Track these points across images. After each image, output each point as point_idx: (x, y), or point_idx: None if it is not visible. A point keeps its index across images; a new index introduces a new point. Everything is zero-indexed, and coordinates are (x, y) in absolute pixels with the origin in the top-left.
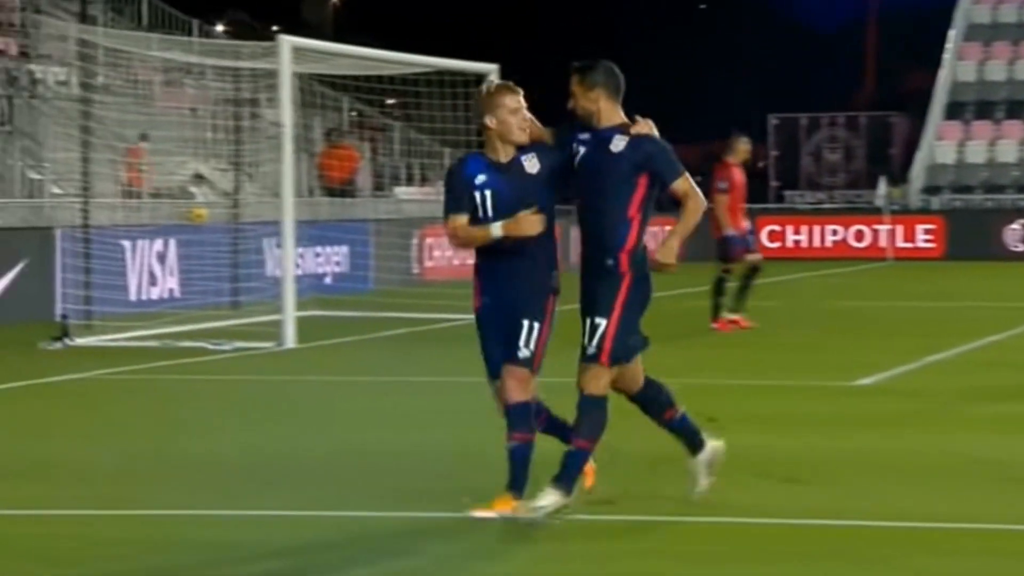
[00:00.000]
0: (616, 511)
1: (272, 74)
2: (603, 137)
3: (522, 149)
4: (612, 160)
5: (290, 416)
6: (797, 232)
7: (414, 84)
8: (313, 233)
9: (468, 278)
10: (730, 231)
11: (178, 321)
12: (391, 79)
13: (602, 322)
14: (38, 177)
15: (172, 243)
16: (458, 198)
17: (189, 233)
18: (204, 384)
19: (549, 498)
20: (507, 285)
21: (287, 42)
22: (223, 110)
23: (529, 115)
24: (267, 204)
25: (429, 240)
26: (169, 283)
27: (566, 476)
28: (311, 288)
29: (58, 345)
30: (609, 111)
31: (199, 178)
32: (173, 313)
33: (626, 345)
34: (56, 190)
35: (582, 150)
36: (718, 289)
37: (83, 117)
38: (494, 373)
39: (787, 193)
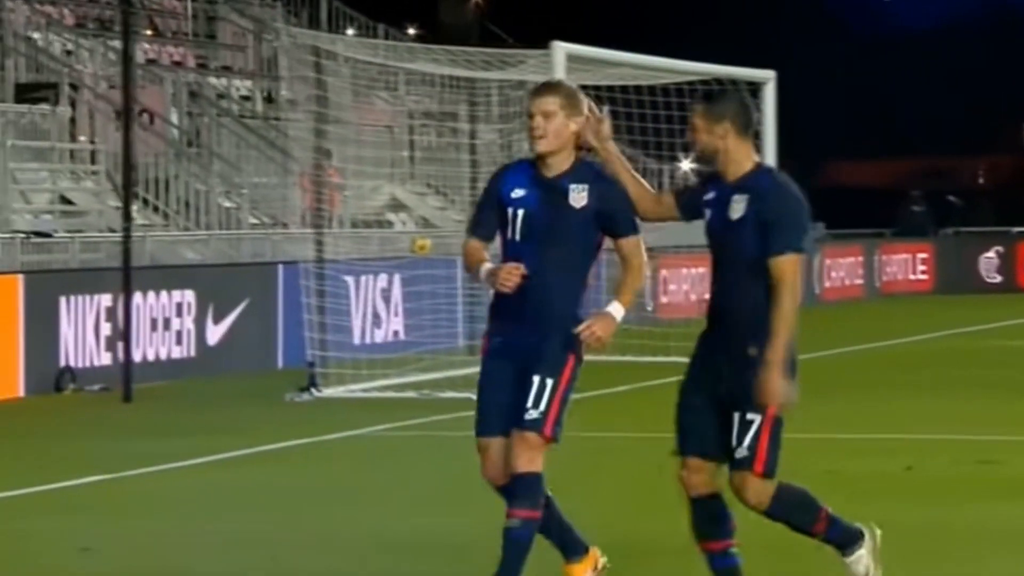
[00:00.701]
0: None
1: (478, 84)
2: (723, 197)
3: (578, 173)
4: (734, 230)
5: (592, 481)
6: None
7: (625, 92)
8: None
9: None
10: None
11: (424, 368)
12: (596, 87)
13: (756, 419)
14: (229, 205)
15: (397, 279)
16: (480, 216)
17: (414, 268)
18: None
19: (860, 562)
20: (519, 329)
21: (561, 49)
22: (421, 126)
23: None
24: None
25: (664, 272)
26: (394, 324)
27: (843, 540)
28: None
29: (306, 397)
30: (738, 151)
31: (396, 204)
32: (417, 358)
33: (778, 455)
34: (252, 220)
35: (708, 213)
36: None
37: (317, 136)
38: (484, 428)
39: None
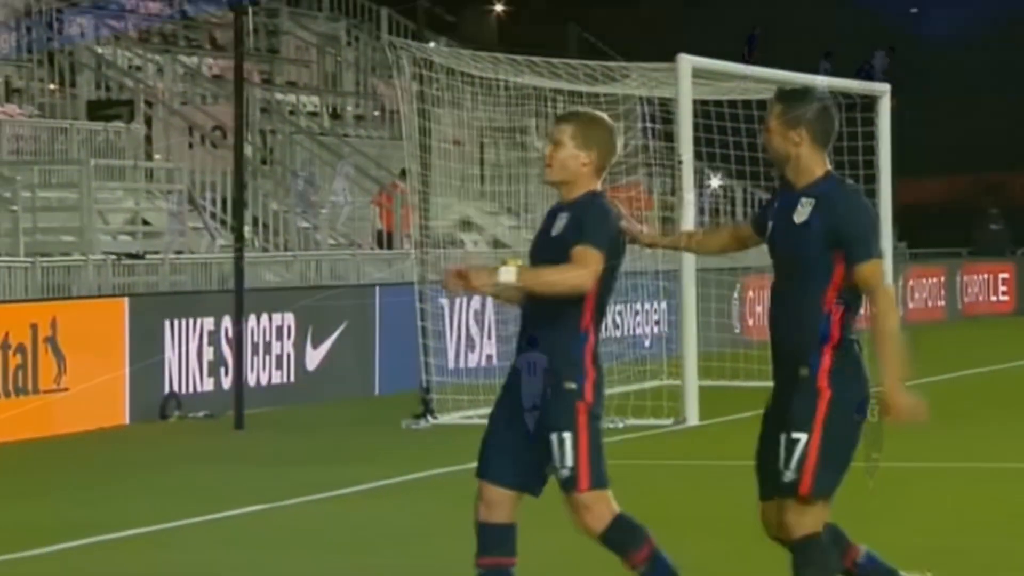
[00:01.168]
0: None
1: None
2: (789, 203)
3: (576, 202)
4: (796, 234)
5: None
6: None
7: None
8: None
9: None
10: None
11: None
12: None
13: (801, 437)
14: (305, 224)
15: (490, 301)
16: None
17: None
18: (626, 470)
19: None
20: (525, 364)
21: (686, 62)
22: (492, 141)
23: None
24: None
25: (751, 293)
26: (487, 348)
27: None
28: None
29: (423, 423)
30: (810, 160)
31: (467, 222)
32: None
33: (834, 475)
34: (330, 240)
35: (771, 225)
36: None
37: (422, 150)
38: (483, 470)
39: None
